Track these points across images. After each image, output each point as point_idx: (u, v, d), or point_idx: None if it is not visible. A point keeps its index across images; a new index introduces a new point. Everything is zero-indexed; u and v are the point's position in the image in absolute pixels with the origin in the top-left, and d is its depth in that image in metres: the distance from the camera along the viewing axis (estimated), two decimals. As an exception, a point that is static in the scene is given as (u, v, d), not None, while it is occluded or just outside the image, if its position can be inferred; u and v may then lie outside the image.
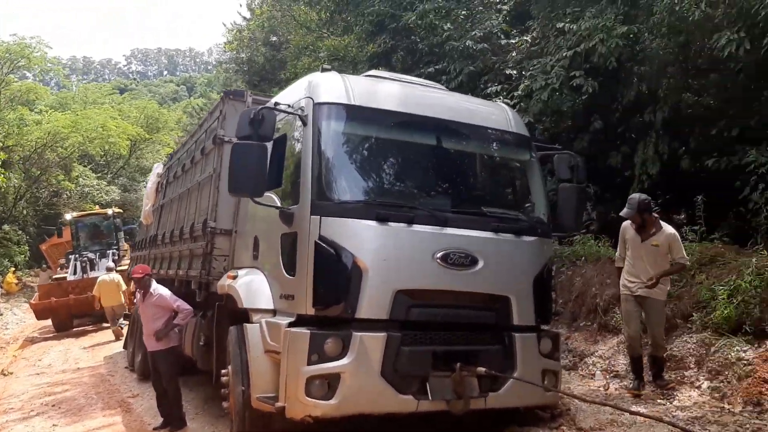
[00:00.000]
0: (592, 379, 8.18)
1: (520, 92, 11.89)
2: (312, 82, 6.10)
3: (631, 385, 7.35)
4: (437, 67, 13.90)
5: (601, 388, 7.65)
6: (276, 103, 6.07)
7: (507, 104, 7.10)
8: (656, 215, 7.52)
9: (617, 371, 8.10)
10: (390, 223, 5.48)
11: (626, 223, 7.40)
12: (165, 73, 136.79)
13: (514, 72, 12.96)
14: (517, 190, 6.88)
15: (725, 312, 7.33)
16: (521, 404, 6.11)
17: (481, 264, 5.70)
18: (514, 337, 5.90)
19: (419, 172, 6.28)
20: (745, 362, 6.75)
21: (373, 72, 7.50)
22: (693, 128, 11.42)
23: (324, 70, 6.28)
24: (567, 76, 11.42)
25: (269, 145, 5.65)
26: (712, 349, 7.25)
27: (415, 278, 5.52)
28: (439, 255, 5.56)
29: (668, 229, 7.28)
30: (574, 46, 11.28)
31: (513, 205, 6.72)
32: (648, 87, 11.80)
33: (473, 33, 13.35)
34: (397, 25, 15.19)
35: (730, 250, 8.88)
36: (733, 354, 6.94)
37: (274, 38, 28.99)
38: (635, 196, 7.31)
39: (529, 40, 13.39)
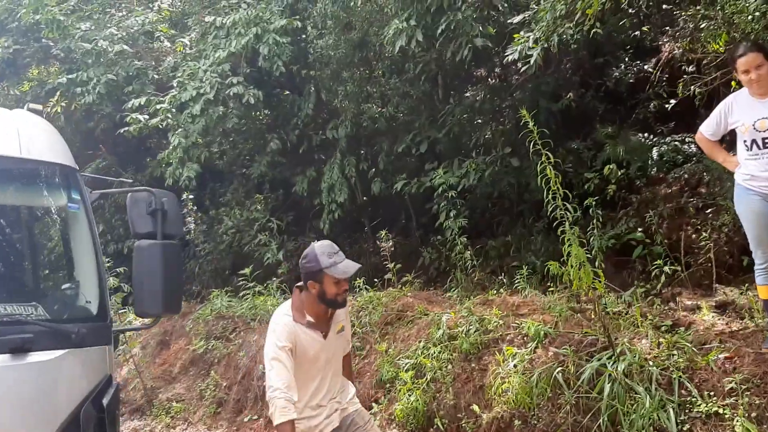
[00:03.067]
0: None
1: (166, 105, 9.06)
2: None
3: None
4: (70, 76, 10.51)
5: None
6: None
7: (36, 112, 3.96)
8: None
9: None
10: None
11: None
12: None
13: (164, 80, 10.12)
14: (39, 264, 3.98)
15: (411, 401, 5.16)
16: None
17: None
18: None
19: None
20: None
21: None
22: (381, 145, 9.58)
23: None
24: (223, 83, 8.86)
25: None
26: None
27: None
28: None
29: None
30: (228, 46, 8.76)
31: (28, 292, 3.78)
32: (327, 97, 9.74)
33: (108, 31, 10.22)
34: (19, 23, 11.50)
35: (419, 297, 6.93)
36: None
37: None
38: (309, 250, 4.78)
39: (188, 42, 10.65)
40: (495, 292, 6.52)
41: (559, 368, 4.63)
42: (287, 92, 10.33)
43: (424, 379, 5.27)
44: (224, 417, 6.98)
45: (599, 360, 4.52)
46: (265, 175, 10.64)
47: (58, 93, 11.00)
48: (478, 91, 9.20)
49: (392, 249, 11.74)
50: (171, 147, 9.94)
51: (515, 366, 4.81)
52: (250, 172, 10.41)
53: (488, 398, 4.85)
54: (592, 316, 5.06)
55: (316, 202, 10.05)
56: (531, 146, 4.44)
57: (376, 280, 8.04)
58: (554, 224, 4.50)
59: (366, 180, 10.04)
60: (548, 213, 4.41)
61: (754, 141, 3.93)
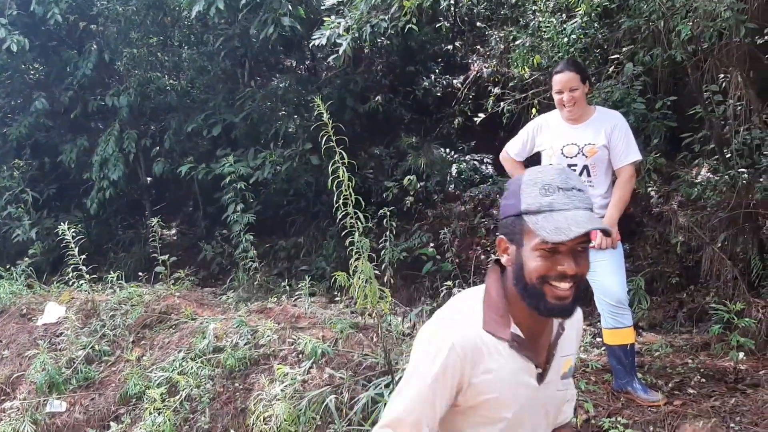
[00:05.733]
0: None
1: None
2: None
3: None
4: None
5: None
6: None
7: None
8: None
9: None
10: None
11: None
12: None
13: None
14: None
15: (157, 422, 4.33)
16: None
17: None
18: None
19: None
20: None
21: None
22: (169, 122, 8.53)
23: None
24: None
25: None
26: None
27: None
28: None
29: None
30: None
31: None
32: (111, 58, 8.50)
33: None
34: None
35: (189, 298, 6.10)
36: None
37: None
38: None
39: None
40: (276, 299, 5.90)
41: (333, 394, 4.11)
42: (64, 47, 8.87)
43: (178, 396, 4.48)
44: None
45: (377, 387, 4.07)
46: (27, 138, 9.07)
47: None
48: (285, 79, 8.54)
49: (174, 238, 10.74)
50: None
51: (283, 389, 4.21)
52: (8, 133, 8.79)
53: (249, 424, 4.18)
54: (374, 337, 4.62)
55: (86, 176, 8.73)
56: (328, 144, 3.90)
57: (141, 273, 7.04)
58: (344, 232, 3.99)
59: (149, 158, 8.92)
60: (337, 220, 3.87)
61: None
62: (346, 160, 3.68)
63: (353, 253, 4.00)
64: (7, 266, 7.59)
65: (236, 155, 7.59)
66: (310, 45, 6.35)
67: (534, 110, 6.19)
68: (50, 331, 5.72)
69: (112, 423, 4.60)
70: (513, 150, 4.02)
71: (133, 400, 4.75)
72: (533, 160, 3.94)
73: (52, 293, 6.75)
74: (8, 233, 8.57)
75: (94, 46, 8.33)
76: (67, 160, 8.74)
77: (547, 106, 5.33)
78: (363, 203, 3.85)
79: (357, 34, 5.23)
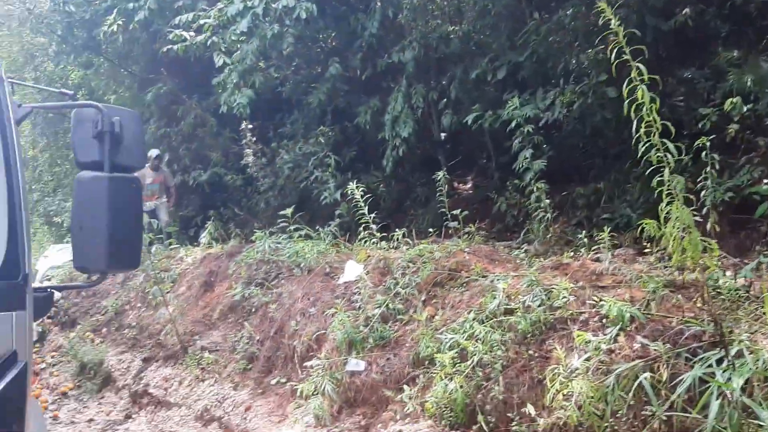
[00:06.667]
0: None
1: (212, 21, 8.05)
2: None
3: None
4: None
5: None
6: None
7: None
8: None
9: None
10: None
11: None
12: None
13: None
14: None
15: (448, 390, 4.06)
16: None
17: None
18: None
19: None
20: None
21: None
22: (454, 71, 8.24)
23: None
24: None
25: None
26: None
27: None
28: None
29: None
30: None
31: None
32: (394, 13, 8.45)
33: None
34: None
35: (479, 253, 5.73)
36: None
37: None
38: None
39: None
40: (573, 254, 5.23)
41: (647, 370, 3.38)
42: (351, 12, 9.08)
43: (470, 362, 4.14)
44: (252, 376, 6.15)
45: (706, 363, 3.24)
46: (326, 105, 9.56)
47: (115, 11, 10.26)
48: (572, 6, 7.61)
49: (470, 192, 10.56)
50: (227, 70, 9.07)
51: (587, 359, 3.59)
52: (309, 101, 9.34)
53: (548, 398, 3.67)
54: (699, 300, 3.73)
55: (380, 136, 8.91)
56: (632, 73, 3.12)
57: (431, 230, 6.88)
58: (650, 169, 3.19)
59: (438, 112, 8.77)
60: (638, 155, 3.09)
61: None
62: (645, 77, 2.87)
63: (664, 196, 3.20)
64: (316, 228, 8.06)
65: (523, 99, 6.98)
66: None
67: None
68: (349, 290, 5.84)
69: (405, 386, 4.45)
70: None
71: (426, 362, 4.55)
72: None
73: (354, 252, 6.95)
74: (317, 196, 9.15)
75: (378, 3, 8.35)
76: (362, 122, 9.01)
77: None
78: (672, 131, 3.01)
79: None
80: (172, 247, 9.75)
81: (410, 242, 6.21)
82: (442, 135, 9.56)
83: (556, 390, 3.57)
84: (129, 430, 6.78)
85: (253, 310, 6.95)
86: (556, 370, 3.63)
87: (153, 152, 10.67)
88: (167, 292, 8.24)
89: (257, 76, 9.06)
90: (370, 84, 9.23)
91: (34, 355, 9.48)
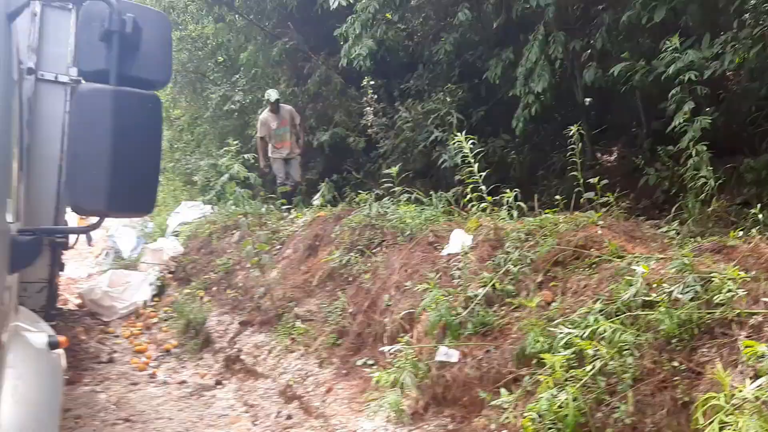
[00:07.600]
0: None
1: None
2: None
3: None
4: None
5: None
6: None
7: None
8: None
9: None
10: None
11: None
12: None
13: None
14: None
15: (557, 401, 3.06)
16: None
17: None
18: None
19: None
20: None
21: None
22: (600, 16, 6.96)
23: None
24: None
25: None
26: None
27: None
28: None
29: None
30: None
31: None
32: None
33: None
34: None
35: (617, 228, 4.58)
36: None
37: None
38: None
39: None
40: (741, 234, 3.96)
41: None
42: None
43: (591, 368, 3.11)
44: (339, 353, 5.43)
45: None
46: (454, 59, 8.58)
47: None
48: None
49: (614, 164, 9.22)
50: (349, 19, 8.40)
51: (759, 387, 2.47)
52: (436, 53, 8.41)
53: (696, 429, 2.59)
54: None
55: (512, 93, 7.81)
56: None
57: (558, 197, 5.75)
58: None
59: (580, 66, 7.53)
60: None
61: None
62: None
63: None
64: (438, 192, 7.15)
65: (686, 45, 5.65)
66: None
67: None
68: (453, 263, 4.93)
69: (503, 389, 3.49)
70: None
71: (533, 361, 3.56)
72: None
73: (468, 220, 6.02)
74: (436, 160, 8.25)
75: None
76: (492, 76, 7.96)
77: None
78: None
79: None
80: (284, 207, 9.31)
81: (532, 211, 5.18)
82: (587, 100, 8.30)
83: (709, 422, 2.49)
84: (215, 398, 6.34)
85: (351, 279, 6.25)
86: (712, 395, 2.54)
87: (271, 93, 10.07)
88: (274, 255, 7.78)
89: (381, 25, 8.27)
90: (503, 34, 8.13)
91: (149, 309, 9.46)
